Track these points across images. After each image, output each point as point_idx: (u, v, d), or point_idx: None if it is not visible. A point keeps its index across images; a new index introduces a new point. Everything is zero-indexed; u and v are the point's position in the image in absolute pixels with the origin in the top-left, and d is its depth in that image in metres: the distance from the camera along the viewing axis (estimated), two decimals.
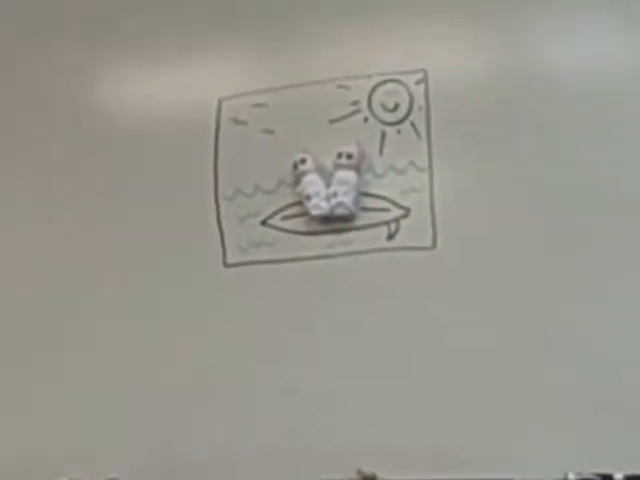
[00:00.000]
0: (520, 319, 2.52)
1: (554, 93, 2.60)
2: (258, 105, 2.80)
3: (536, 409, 2.47)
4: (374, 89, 2.73)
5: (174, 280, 2.79)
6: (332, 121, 2.74)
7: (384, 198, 2.67)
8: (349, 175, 2.67)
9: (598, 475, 2.38)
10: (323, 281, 2.69)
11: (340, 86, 2.75)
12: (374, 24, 2.75)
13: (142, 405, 2.76)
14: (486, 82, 2.66)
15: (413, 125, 2.68)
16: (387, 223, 2.66)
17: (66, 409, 2.81)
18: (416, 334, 2.59)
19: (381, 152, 2.70)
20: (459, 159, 2.66)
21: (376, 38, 2.74)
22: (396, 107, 2.70)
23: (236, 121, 2.82)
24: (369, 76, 2.73)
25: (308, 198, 2.69)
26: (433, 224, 2.62)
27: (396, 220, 2.65)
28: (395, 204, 2.66)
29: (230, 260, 2.76)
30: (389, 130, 2.70)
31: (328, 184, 2.68)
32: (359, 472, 2.46)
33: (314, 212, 2.68)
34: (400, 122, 2.69)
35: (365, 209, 2.68)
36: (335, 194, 2.67)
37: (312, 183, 2.69)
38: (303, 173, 2.70)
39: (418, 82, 2.69)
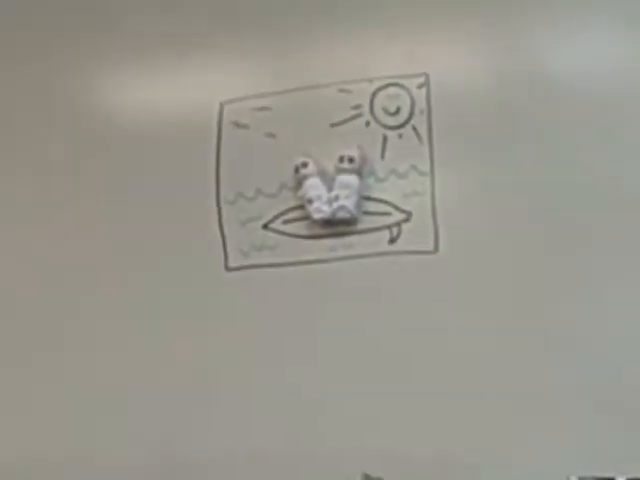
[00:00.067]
0: (522, 323, 2.52)
1: (556, 97, 2.60)
2: (260, 109, 2.80)
3: (538, 413, 2.47)
4: (376, 93, 2.72)
5: (176, 283, 2.79)
6: (334, 125, 2.74)
7: (386, 202, 2.67)
8: (351, 179, 2.67)
9: (600, 479, 2.39)
10: (324, 285, 2.69)
11: (342, 90, 2.75)
12: (376, 28, 2.74)
13: (142, 406, 2.76)
14: (488, 86, 2.65)
15: (415, 129, 2.68)
16: (389, 227, 2.66)
17: (66, 409, 2.82)
18: (418, 338, 2.59)
19: (383, 156, 2.70)
20: (461, 163, 2.66)
21: (378, 42, 2.74)
22: (398, 111, 2.70)
23: (238, 125, 2.82)
24: (370, 80, 2.73)
25: (310, 202, 2.69)
26: (435, 228, 2.63)
27: (398, 224, 2.65)
28: (397, 208, 2.66)
29: (232, 264, 2.76)
30: (391, 134, 2.70)
31: (330, 188, 2.68)
32: (366, 477, 2.46)
33: (316, 216, 2.68)
34: (402, 126, 2.69)
35: (367, 213, 2.68)
36: (337, 198, 2.67)
37: (314, 187, 2.69)
38: (305, 177, 2.70)
39: (420, 86, 2.69)
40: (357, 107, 2.73)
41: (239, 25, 2.87)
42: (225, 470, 2.65)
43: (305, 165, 2.70)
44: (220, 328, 2.73)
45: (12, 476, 2.77)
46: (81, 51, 3.03)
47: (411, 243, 2.64)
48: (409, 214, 2.65)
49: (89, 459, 2.76)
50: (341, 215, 2.67)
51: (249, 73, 2.85)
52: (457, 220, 2.62)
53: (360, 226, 2.68)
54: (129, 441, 2.75)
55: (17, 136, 3.07)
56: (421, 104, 2.68)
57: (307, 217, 2.70)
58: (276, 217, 2.74)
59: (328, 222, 2.68)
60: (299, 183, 2.71)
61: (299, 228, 2.72)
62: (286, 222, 2.73)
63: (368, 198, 2.69)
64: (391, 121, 2.70)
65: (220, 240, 2.78)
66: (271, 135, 2.78)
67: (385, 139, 2.70)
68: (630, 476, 2.33)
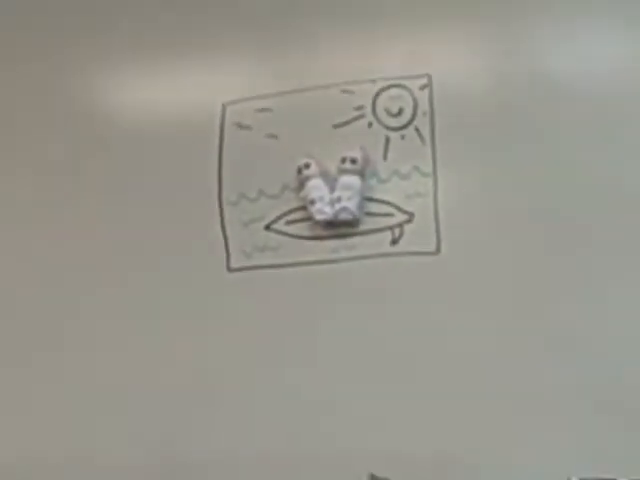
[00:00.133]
0: (523, 323, 2.53)
1: (557, 98, 2.61)
2: (262, 110, 2.80)
3: (538, 413, 2.47)
4: (378, 94, 2.73)
5: (178, 284, 2.79)
6: (336, 126, 2.74)
7: (388, 203, 2.68)
8: (353, 180, 2.67)
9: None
10: (327, 286, 2.69)
11: (344, 91, 2.75)
12: (378, 29, 2.75)
13: (143, 406, 2.76)
14: (490, 87, 2.66)
15: (417, 130, 2.68)
16: (391, 228, 2.66)
17: (66, 409, 2.82)
18: (420, 339, 2.60)
19: (385, 157, 2.70)
20: (463, 164, 2.66)
21: (380, 43, 2.74)
22: (400, 112, 2.70)
23: (240, 126, 2.82)
24: (373, 81, 2.73)
25: (312, 203, 2.69)
26: (437, 229, 2.63)
27: (400, 225, 2.66)
28: (399, 209, 2.66)
29: (234, 265, 2.76)
30: (393, 135, 2.70)
31: (332, 189, 2.69)
32: (372, 477, 2.46)
33: (318, 217, 2.68)
34: (404, 127, 2.69)
35: (369, 214, 2.68)
36: (339, 199, 2.67)
37: (316, 188, 2.69)
38: (307, 178, 2.70)
39: (422, 87, 2.69)
40: (359, 108, 2.73)
41: (241, 26, 2.87)
42: (227, 471, 2.65)
43: (307, 166, 2.70)
44: (222, 329, 2.74)
45: (12, 476, 2.77)
46: (82, 51, 3.04)
47: (413, 244, 2.64)
48: (411, 215, 2.65)
49: (89, 459, 2.76)
50: (343, 216, 2.67)
51: (251, 74, 2.85)
52: (459, 221, 2.62)
53: (362, 227, 2.68)
54: (129, 441, 2.75)
55: (17, 136, 3.07)
56: (423, 105, 2.69)
57: (309, 218, 2.71)
58: (278, 218, 2.74)
59: (330, 223, 2.69)
60: (301, 184, 2.71)
61: (301, 229, 2.72)
62: (288, 223, 2.74)
63: (370, 199, 2.69)
64: (393, 122, 2.70)
65: (222, 241, 2.78)
66: (273, 136, 2.78)
67: (387, 140, 2.70)
68: (632, 477, 2.34)
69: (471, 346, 2.55)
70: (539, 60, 2.65)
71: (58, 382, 2.84)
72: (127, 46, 2.98)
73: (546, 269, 2.54)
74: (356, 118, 2.73)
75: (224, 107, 2.84)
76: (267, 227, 2.75)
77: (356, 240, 2.68)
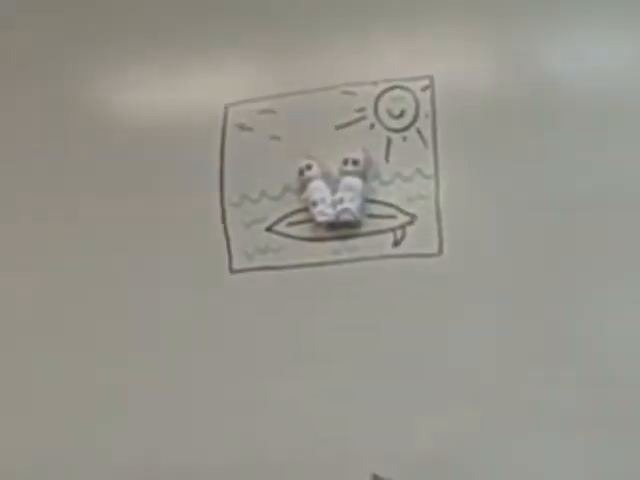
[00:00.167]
0: (525, 325, 2.53)
1: (560, 100, 2.61)
2: (264, 111, 2.80)
3: (539, 417, 2.48)
4: (380, 95, 2.73)
5: (180, 285, 2.79)
6: (338, 127, 2.74)
7: (390, 205, 2.68)
8: (355, 181, 2.67)
9: None
10: (328, 288, 2.69)
11: (346, 92, 2.75)
12: (380, 30, 2.75)
13: (143, 408, 2.76)
14: (492, 89, 2.66)
15: (419, 132, 2.68)
16: (393, 230, 2.66)
17: (66, 410, 2.82)
18: (422, 341, 2.60)
19: (387, 159, 2.70)
20: (465, 166, 2.66)
21: (382, 45, 2.74)
22: (402, 114, 2.70)
23: (242, 127, 2.82)
24: (375, 82, 2.73)
25: (314, 204, 2.69)
26: (439, 231, 2.63)
27: (402, 227, 2.66)
28: (401, 211, 2.66)
29: (236, 266, 2.76)
30: (395, 137, 2.70)
31: (334, 190, 2.68)
32: (375, 477, 2.46)
33: (320, 218, 2.68)
34: (406, 129, 2.69)
35: (371, 216, 2.68)
36: (341, 200, 2.67)
37: (318, 189, 2.69)
38: (309, 179, 2.70)
39: (424, 89, 2.69)
40: (361, 110, 2.73)
41: (244, 28, 2.87)
42: (227, 472, 2.65)
43: (309, 167, 2.70)
44: (223, 330, 2.73)
45: (13, 475, 2.77)
46: (85, 53, 3.03)
47: (415, 246, 2.64)
48: (413, 217, 2.65)
49: (88, 458, 2.76)
50: (345, 218, 2.67)
51: (254, 76, 2.86)
52: (461, 223, 2.62)
53: (364, 229, 2.68)
54: (129, 442, 2.75)
55: (19, 137, 3.06)
56: (426, 107, 2.69)
57: (311, 220, 2.71)
58: (280, 219, 2.74)
59: (332, 225, 2.69)
60: (303, 186, 2.71)
61: (303, 231, 2.72)
62: (290, 225, 2.73)
63: (372, 201, 2.69)
64: (395, 124, 2.70)
65: (224, 242, 2.78)
66: (275, 137, 2.78)
67: (389, 142, 2.70)
68: None
69: (473, 347, 2.55)
70: (541, 61, 2.65)
71: (58, 382, 2.84)
72: (129, 47, 2.98)
73: (548, 270, 2.54)
74: (358, 120, 2.73)
75: (226, 108, 2.84)
76: (269, 228, 2.75)
77: (358, 242, 2.68)
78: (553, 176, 2.58)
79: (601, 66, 2.61)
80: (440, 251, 2.62)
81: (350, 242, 2.69)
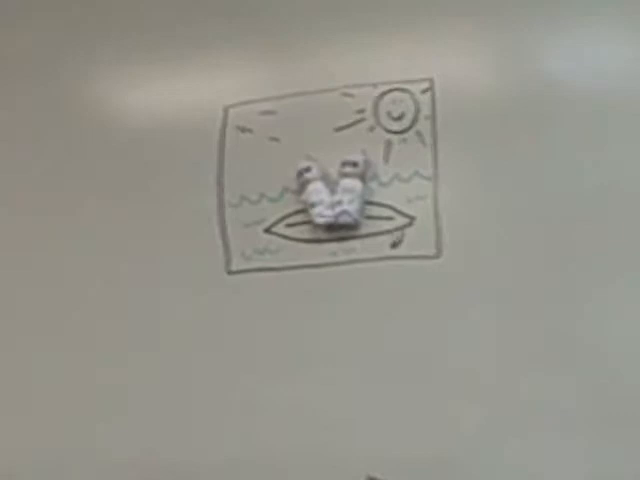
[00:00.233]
0: (524, 327, 2.52)
1: (561, 102, 2.60)
2: (264, 113, 2.80)
3: (539, 418, 2.47)
4: (380, 98, 2.72)
5: (178, 286, 2.79)
6: (337, 129, 2.74)
7: (389, 207, 2.67)
8: (354, 183, 2.67)
9: None
10: (327, 289, 2.69)
11: (345, 94, 2.75)
12: (380, 33, 2.74)
13: (142, 408, 2.76)
14: (492, 91, 2.66)
15: (419, 134, 2.68)
16: (391, 232, 2.66)
17: (66, 409, 2.82)
18: (420, 343, 2.59)
19: (386, 161, 2.69)
20: (464, 168, 2.66)
21: (382, 47, 2.74)
22: (402, 116, 2.70)
23: (241, 129, 2.82)
24: (375, 85, 2.73)
25: (312, 206, 2.69)
26: (438, 233, 2.62)
27: (400, 229, 2.65)
28: (400, 213, 2.66)
29: (234, 267, 2.76)
30: (394, 139, 2.70)
31: (333, 192, 2.68)
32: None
33: (318, 220, 2.68)
34: (406, 131, 2.69)
35: (370, 217, 2.68)
36: (340, 202, 2.66)
37: (317, 191, 2.69)
38: (308, 181, 2.70)
39: (424, 91, 2.69)
40: (361, 112, 2.73)
41: (243, 30, 2.88)
42: (226, 473, 2.65)
43: (308, 169, 2.70)
44: (222, 331, 2.73)
45: (12, 475, 2.77)
46: (84, 55, 3.03)
47: (414, 248, 2.64)
48: (412, 219, 2.65)
49: (88, 458, 2.76)
50: (344, 219, 2.67)
51: (253, 77, 2.85)
52: (460, 225, 2.62)
53: (363, 231, 2.68)
54: (129, 441, 2.74)
55: (19, 137, 3.06)
56: (425, 109, 2.68)
57: (310, 221, 2.70)
58: (279, 221, 2.74)
59: (331, 226, 2.68)
60: (302, 187, 2.71)
61: (302, 232, 2.72)
62: (289, 226, 2.73)
63: (371, 203, 2.69)
64: (395, 126, 2.70)
65: (222, 243, 2.77)
66: (275, 139, 2.78)
67: (389, 144, 2.70)
68: None
69: (472, 348, 2.55)
70: (541, 63, 2.65)
71: (58, 381, 2.84)
72: (129, 49, 2.98)
73: (547, 271, 2.53)
74: (357, 122, 2.73)
75: (226, 110, 2.84)
76: (267, 230, 2.75)
77: (356, 243, 2.68)
78: (553, 177, 2.58)
79: (601, 66, 2.60)
80: (439, 253, 2.62)
81: (349, 244, 2.68)
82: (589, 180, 2.55)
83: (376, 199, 2.69)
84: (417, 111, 2.69)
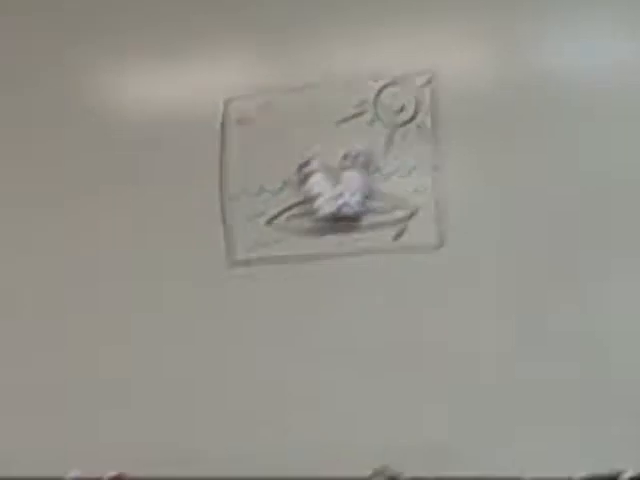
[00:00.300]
0: (526, 317, 2.55)
1: (561, 93, 2.62)
2: (264, 106, 2.81)
3: (543, 408, 2.49)
4: (380, 90, 2.73)
5: (181, 279, 2.80)
6: (338, 122, 2.75)
7: (390, 198, 2.68)
8: (355, 176, 2.68)
9: (604, 476, 2.40)
10: (329, 280, 2.70)
11: (347, 87, 2.75)
12: (381, 26, 2.75)
13: (146, 398, 2.78)
14: (492, 83, 2.67)
15: (419, 126, 2.69)
16: (393, 223, 2.67)
17: (71, 400, 2.84)
18: (423, 333, 2.61)
19: (387, 153, 2.71)
20: (465, 160, 2.67)
21: (383, 40, 2.75)
22: (402, 108, 2.71)
23: (242, 121, 2.82)
24: (376, 77, 2.74)
25: (314, 198, 2.70)
26: (439, 224, 2.64)
27: (402, 220, 2.66)
28: (401, 204, 2.67)
29: (235, 259, 2.77)
30: (396, 131, 2.71)
31: (334, 184, 2.69)
32: (383, 470, 2.45)
33: (320, 212, 2.70)
34: (407, 123, 2.70)
35: (371, 209, 2.69)
36: (341, 194, 2.68)
37: (318, 183, 2.71)
38: (309, 173, 2.71)
39: (424, 84, 2.70)
40: (362, 104, 2.74)
41: (244, 23, 2.88)
42: (231, 463, 2.65)
43: (310, 162, 2.72)
44: (224, 323, 2.74)
45: (22, 467, 2.78)
46: (86, 49, 3.03)
47: (415, 239, 2.65)
48: (414, 210, 2.66)
49: (96, 453, 2.77)
50: (345, 211, 2.68)
51: (253, 70, 2.86)
52: (462, 216, 2.63)
53: (364, 222, 2.69)
54: (132, 432, 2.77)
55: (25, 131, 3.06)
56: (426, 102, 2.70)
57: (311, 213, 2.71)
58: (280, 213, 2.75)
59: (333, 218, 2.69)
60: (304, 180, 2.72)
61: (303, 224, 2.73)
62: (290, 218, 2.74)
63: (373, 194, 2.69)
64: (396, 118, 2.71)
65: (224, 236, 2.78)
66: (276, 132, 2.79)
67: (390, 136, 2.71)
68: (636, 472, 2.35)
69: (474, 339, 2.57)
70: (542, 55, 2.66)
71: (64, 374, 2.86)
72: (130, 43, 2.98)
73: (549, 261, 2.56)
74: (358, 114, 2.74)
75: (226, 103, 2.84)
76: (269, 222, 2.75)
77: (358, 235, 2.69)
78: (554, 169, 2.59)
79: (603, 60, 2.61)
80: (440, 244, 2.63)
81: (350, 235, 2.69)
82: (590, 170, 2.57)
83: (378, 191, 2.70)
84: (418, 104, 2.70)
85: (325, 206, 2.69)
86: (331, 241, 2.70)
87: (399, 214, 2.67)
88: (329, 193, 2.69)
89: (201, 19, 2.90)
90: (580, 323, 2.51)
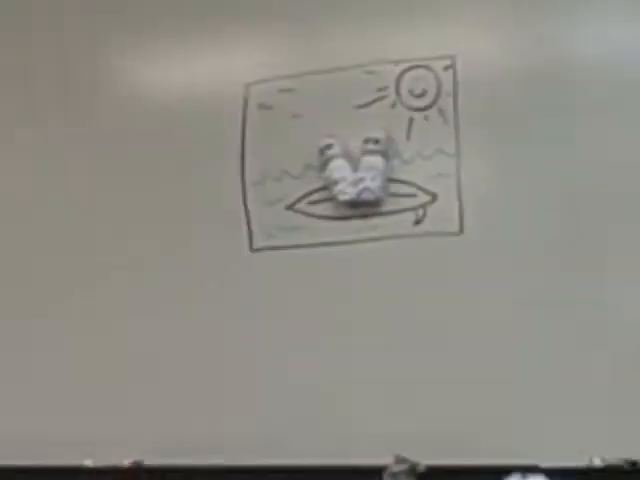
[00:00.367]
0: (548, 304, 2.53)
1: (582, 81, 2.59)
2: (285, 90, 2.80)
3: (562, 393, 2.49)
4: (401, 75, 2.72)
5: (201, 264, 2.81)
6: (359, 106, 2.74)
7: (411, 184, 2.68)
8: (376, 160, 2.67)
9: (624, 460, 2.40)
10: (349, 266, 2.70)
11: (367, 72, 2.74)
12: (402, 9, 2.73)
13: (167, 387, 2.80)
14: (514, 68, 2.64)
15: (441, 111, 2.68)
16: (414, 209, 2.66)
17: (97, 380, 2.86)
18: (443, 319, 2.60)
19: (408, 138, 2.69)
20: (486, 145, 2.66)
21: (404, 24, 2.73)
22: (424, 93, 2.70)
23: (263, 106, 2.82)
24: (396, 62, 2.72)
25: (335, 183, 2.69)
26: (460, 210, 2.63)
27: (423, 206, 2.66)
28: (422, 190, 2.66)
29: (256, 245, 2.78)
30: (417, 116, 2.70)
31: (355, 169, 2.69)
32: (404, 458, 2.47)
33: (341, 197, 2.69)
34: (428, 108, 2.69)
35: (392, 195, 2.69)
36: (362, 179, 2.67)
37: (339, 168, 2.70)
38: (330, 158, 2.71)
39: (446, 68, 2.68)
40: (383, 89, 2.73)
41: (265, 7, 2.86)
42: (247, 448, 2.67)
43: (330, 146, 2.71)
44: (244, 309, 2.75)
45: (39, 453, 2.80)
46: (109, 33, 3.02)
47: (436, 225, 2.65)
48: (434, 196, 2.65)
49: (113, 440, 2.79)
50: (366, 197, 2.67)
51: (275, 55, 2.84)
52: (482, 202, 2.62)
53: (385, 208, 2.69)
54: (160, 411, 2.79)
55: (37, 119, 3.06)
56: (447, 86, 2.68)
57: (332, 198, 2.71)
58: (301, 198, 2.75)
59: (353, 203, 2.69)
60: (324, 164, 2.72)
61: (324, 209, 2.73)
62: (311, 203, 2.74)
63: (393, 180, 2.69)
64: (417, 103, 2.70)
65: (245, 221, 2.78)
66: (297, 116, 2.78)
67: (411, 121, 2.70)
68: None
69: (494, 326, 2.56)
70: (563, 42, 2.63)
71: (92, 351, 2.88)
72: (154, 30, 2.97)
73: (568, 247, 2.54)
74: (379, 99, 2.73)
75: (247, 87, 2.84)
76: (290, 207, 2.75)
77: (379, 221, 2.69)
78: (574, 155, 2.57)
79: (624, 47, 2.58)
80: (461, 230, 2.63)
81: (371, 221, 2.69)
82: (610, 157, 2.55)
83: (398, 176, 2.69)
84: (439, 88, 2.69)
85: (345, 191, 2.68)
86: (351, 226, 2.70)
87: (420, 199, 2.66)
88: (349, 178, 2.68)
89: (222, 3, 2.90)
90: (606, 309, 2.51)
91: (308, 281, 2.72)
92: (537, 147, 2.60)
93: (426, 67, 2.70)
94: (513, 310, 2.56)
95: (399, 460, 2.46)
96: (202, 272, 2.81)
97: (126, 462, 2.75)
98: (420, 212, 2.66)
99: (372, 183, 2.66)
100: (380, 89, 2.73)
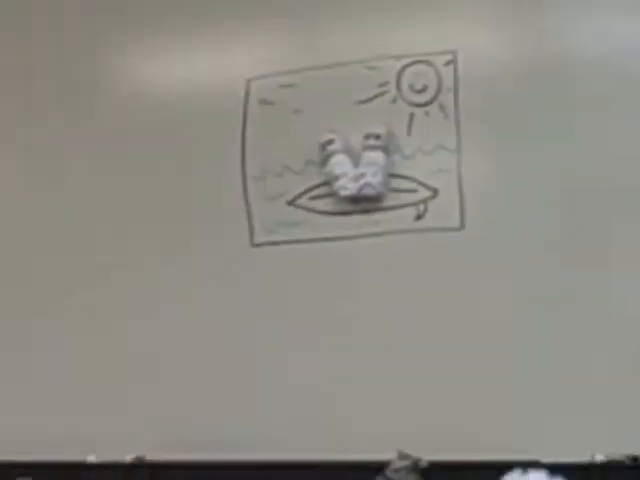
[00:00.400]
0: (549, 299, 2.53)
1: (583, 76, 2.59)
2: (286, 86, 2.81)
3: (563, 390, 2.48)
4: (402, 70, 2.72)
5: (201, 260, 2.82)
6: (360, 102, 2.74)
7: (412, 179, 2.68)
8: (377, 156, 2.67)
9: (625, 456, 2.40)
10: (350, 262, 2.70)
11: (368, 67, 2.75)
12: (403, 5, 2.74)
13: (168, 384, 2.80)
14: (515, 63, 2.65)
15: (441, 106, 2.68)
16: (415, 204, 2.66)
17: (98, 377, 2.86)
18: (443, 315, 2.61)
19: (409, 133, 2.70)
20: (487, 140, 2.66)
21: (404, 19, 2.73)
22: (424, 88, 2.70)
23: (264, 102, 2.82)
24: (397, 57, 2.72)
25: (336, 179, 2.69)
26: (461, 205, 2.63)
27: (424, 201, 2.66)
28: (423, 185, 2.66)
29: (257, 240, 2.78)
30: (417, 111, 2.70)
31: (356, 165, 2.69)
32: (407, 454, 2.47)
33: (342, 193, 2.69)
34: (428, 103, 2.69)
35: (393, 190, 2.69)
36: (363, 175, 2.67)
37: (340, 164, 2.70)
38: (331, 154, 2.71)
39: (447, 63, 2.69)
40: (384, 84, 2.73)
41: (265, 3, 2.87)
42: (248, 445, 2.67)
43: (331, 142, 2.71)
44: (245, 303, 2.75)
45: (43, 449, 2.81)
46: (110, 30, 3.03)
47: (437, 220, 2.65)
48: (435, 191, 2.65)
49: (116, 437, 2.79)
50: (367, 192, 2.67)
51: (275, 50, 2.85)
52: (483, 197, 2.62)
53: (386, 203, 2.69)
54: (160, 408, 2.79)
55: (37, 117, 3.07)
56: (448, 82, 2.68)
57: (333, 194, 2.71)
58: (302, 193, 2.75)
59: (354, 199, 2.69)
60: (325, 160, 2.72)
61: (325, 205, 2.73)
62: (312, 199, 2.74)
63: (394, 175, 2.69)
64: (418, 98, 2.70)
65: (246, 216, 2.79)
66: (297, 112, 2.78)
67: (412, 116, 2.70)
68: None
69: (495, 322, 2.56)
70: (564, 37, 2.63)
71: (92, 350, 2.88)
72: (155, 26, 2.98)
73: (569, 243, 2.54)
74: (380, 94, 2.73)
75: (248, 83, 2.84)
76: (291, 202, 2.75)
77: (380, 216, 2.69)
78: (574, 151, 2.57)
79: (625, 42, 2.58)
80: (462, 225, 2.63)
81: (372, 216, 2.69)
82: (611, 152, 2.55)
83: (399, 172, 2.69)
84: (440, 83, 2.69)
85: (347, 187, 2.68)
86: (352, 222, 2.70)
87: (420, 195, 2.66)
88: (350, 174, 2.68)
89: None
90: (607, 306, 2.51)
91: (309, 276, 2.73)
92: (538, 142, 2.61)
93: (427, 62, 2.70)
94: (514, 305, 2.56)
95: (402, 456, 2.46)
96: (203, 268, 2.81)
97: (128, 458, 2.76)
98: (421, 207, 2.66)
99: (373, 178, 2.67)
100: (381, 84, 2.73)
